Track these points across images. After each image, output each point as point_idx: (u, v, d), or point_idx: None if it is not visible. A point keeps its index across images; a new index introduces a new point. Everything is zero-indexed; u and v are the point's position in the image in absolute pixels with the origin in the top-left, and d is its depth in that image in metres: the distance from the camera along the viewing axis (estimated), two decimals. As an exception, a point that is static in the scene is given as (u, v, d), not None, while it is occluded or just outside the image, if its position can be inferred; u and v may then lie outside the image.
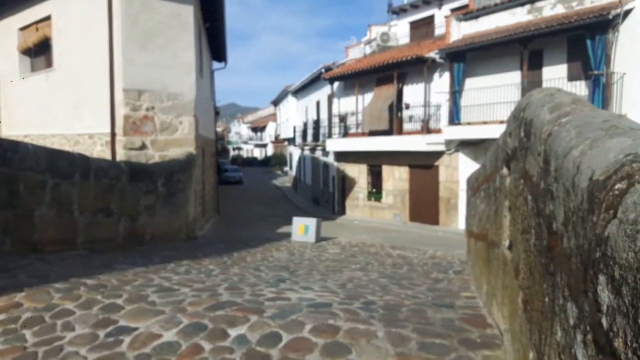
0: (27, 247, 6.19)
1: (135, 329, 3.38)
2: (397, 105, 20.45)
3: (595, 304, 1.26)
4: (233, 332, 3.24)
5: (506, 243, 2.98)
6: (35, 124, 13.38)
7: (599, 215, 1.28)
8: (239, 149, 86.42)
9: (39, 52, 13.95)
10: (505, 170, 3.09)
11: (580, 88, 14.42)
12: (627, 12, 13.32)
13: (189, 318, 3.51)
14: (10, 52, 14.35)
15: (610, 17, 13.04)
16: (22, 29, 14.07)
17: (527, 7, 16.47)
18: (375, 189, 22.53)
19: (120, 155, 11.43)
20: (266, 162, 68.36)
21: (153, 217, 9.29)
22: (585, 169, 1.46)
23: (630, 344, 1.05)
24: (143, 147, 11.65)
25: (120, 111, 11.57)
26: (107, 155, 11.39)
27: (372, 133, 21.55)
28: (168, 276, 5.20)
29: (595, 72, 13.55)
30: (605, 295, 1.20)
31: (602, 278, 1.22)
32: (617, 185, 1.24)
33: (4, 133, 14.32)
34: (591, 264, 1.30)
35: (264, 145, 74.05)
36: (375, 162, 22.13)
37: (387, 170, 21.66)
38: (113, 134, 11.55)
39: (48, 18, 13.13)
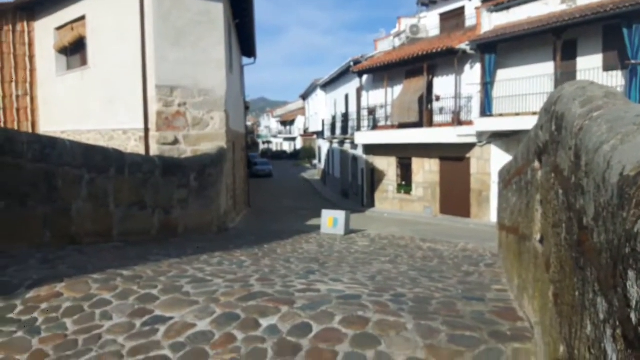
0: (66, 239, 6.40)
1: (170, 318, 3.48)
2: (427, 97, 20.25)
3: (624, 299, 1.27)
4: (265, 322, 3.31)
5: (537, 237, 2.96)
6: (71, 120, 13.77)
7: (629, 211, 1.28)
8: (269, 142, 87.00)
9: (75, 50, 14.32)
10: (537, 164, 3.06)
11: (617, 78, 14.02)
12: (667, -1, 12.88)
13: (222, 308, 3.59)
14: (48, 51, 14.77)
15: (649, 4, 12.65)
16: (58, 28, 14.46)
17: (561, -4, 16.09)
18: (405, 182, 22.40)
19: (154, 150, 11.67)
20: (295, 155, 68.67)
21: (186, 210, 9.47)
22: (616, 164, 1.45)
23: (658, 339, 1.06)
24: (175, 142, 11.87)
25: (153, 107, 11.80)
26: (141, 150, 11.64)
27: (402, 125, 21.40)
28: (201, 267, 5.31)
29: (633, 61, 13.15)
30: (634, 291, 1.20)
31: (631, 274, 1.22)
32: (648, 182, 1.24)
33: (42, 129, 14.78)
34: (621, 259, 1.30)
35: (293, 139, 74.34)
36: (404, 154, 21.99)
37: (417, 163, 21.51)
38: (146, 130, 11.79)
39: (83, 18, 13.47)
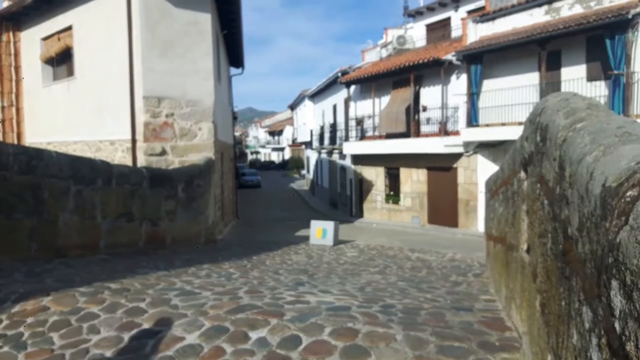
0: (52, 252, 6.33)
1: (159, 332, 3.45)
2: (414, 108, 20.40)
3: (608, 309, 1.29)
4: (254, 335, 3.30)
5: (524, 246, 3.00)
6: (57, 131, 13.66)
7: (611, 221, 1.30)
8: (257, 152, 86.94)
9: (61, 61, 14.24)
10: (522, 174, 3.10)
11: (600, 88, 14.23)
12: (647, 11, 13.14)
13: (210, 321, 3.57)
14: (34, 61, 14.67)
15: (630, 16, 12.85)
16: (45, 39, 14.39)
17: (545, 7, 16.33)
18: (393, 192, 22.47)
19: (141, 161, 11.60)
20: (284, 165, 68.71)
21: (174, 221, 9.41)
22: (599, 175, 1.48)
23: (641, 348, 1.08)
24: (163, 153, 11.82)
25: (141, 118, 11.75)
26: (128, 161, 11.57)
27: (389, 136, 21.51)
28: (189, 280, 5.28)
29: (615, 72, 13.37)
30: (617, 300, 1.22)
31: (614, 283, 1.24)
32: (629, 193, 1.26)
33: (28, 140, 14.65)
34: (604, 269, 1.32)
35: (282, 149, 74.39)
36: (392, 164, 22.08)
37: (404, 173, 21.60)
38: (134, 141, 11.73)
39: (69, 28, 13.41)
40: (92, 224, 7.20)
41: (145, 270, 5.82)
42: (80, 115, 13.09)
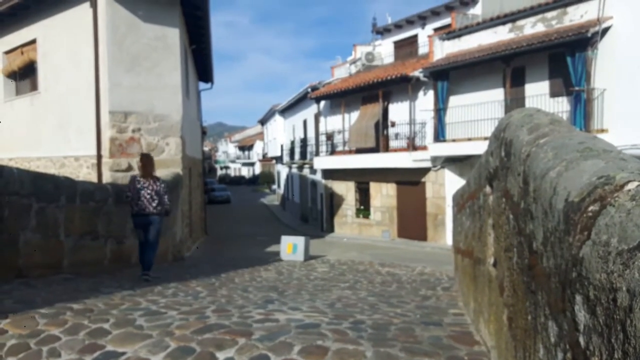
0: (12, 272, 6.10)
1: (123, 353, 3.35)
2: (383, 123, 20.60)
3: (573, 323, 1.29)
4: (221, 356, 3.22)
5: (491, 260, 3.02)
6: (20, 147, 13.28)
7: (574, 236, 1.31)
8: (227, 168, 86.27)
9: (24, 75, 13.91)
10: (488, 189, 3.13)
11: (563, 104, 14.64)
12: (606, 30, 13.61)
13: (176, 342, 3.48)
14: (-5, 75, 14.28)
15: (589, 34, 13.31)
16: (7, 52, 14.05)
17: (509, 25, 16.77)
18: (363, 206, 22.56)
19: (107, 178, 11.36)
20: (254, 180, 68.34)
21: (140, 239, 9.19)
22: (561, 190, 1.50)
23: (605, 363, 1.08)
24: (129, 168, 11.60)
25: (107, 133, 11.54)
26: (94, 178, 11.31)
27: (359, 150, 21.66)
28: (155, 299, 5.16)
29: (576, 88, 13.77)
30: (582, 315, 1.22)
31: (578, 298, 1.25)
32: (591, 207, 1.28)
33: (-12, 156, 14.17)
34: (568, 283, 1.33)
35: (252, 164, 74.01)
36: (362, 179, 22.20)
37: (374, 187, 21.72)
38: (99, 156, 11.49)
39: (33, 42, 13.12)
40: (55, 243, 6.98)
41: (110, 290, 5.67)
42: (44, 131, 12.78)
